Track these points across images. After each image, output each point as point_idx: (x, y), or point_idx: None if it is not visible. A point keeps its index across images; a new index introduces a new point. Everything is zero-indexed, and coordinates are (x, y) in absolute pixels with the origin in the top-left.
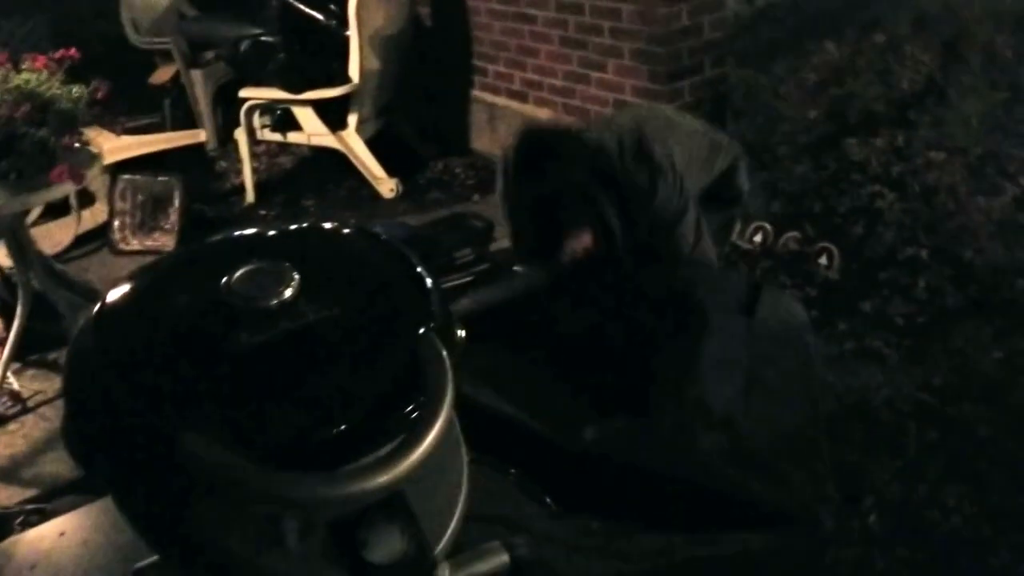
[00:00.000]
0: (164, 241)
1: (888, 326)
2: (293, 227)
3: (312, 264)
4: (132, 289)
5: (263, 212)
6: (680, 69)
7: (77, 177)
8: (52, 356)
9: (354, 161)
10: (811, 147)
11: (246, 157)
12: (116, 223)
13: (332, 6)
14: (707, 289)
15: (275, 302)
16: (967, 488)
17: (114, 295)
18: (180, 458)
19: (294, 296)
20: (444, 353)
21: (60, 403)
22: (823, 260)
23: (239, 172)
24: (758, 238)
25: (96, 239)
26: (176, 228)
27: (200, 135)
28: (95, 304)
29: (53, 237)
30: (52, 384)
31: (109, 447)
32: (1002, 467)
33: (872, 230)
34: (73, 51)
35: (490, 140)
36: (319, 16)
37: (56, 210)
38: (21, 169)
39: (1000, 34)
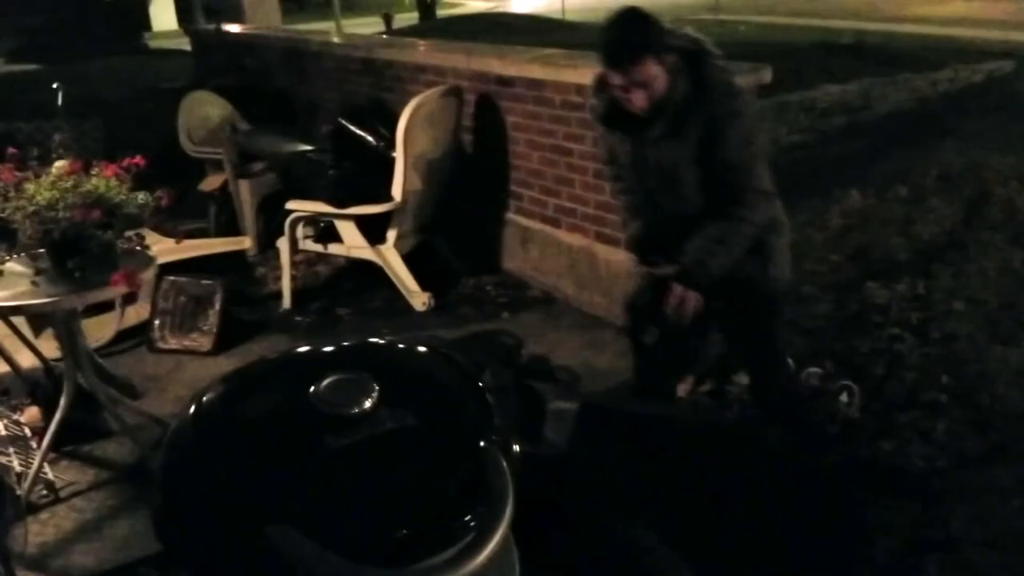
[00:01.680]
0: (201, 342)
1: (907, 468)
2: (372, 341)
3: (390, 376)
4: (226, 391)
5: (299, 319)
6: None
7: (135, 283)
8: (87, 448)
9: (390, 274)
10: (833, 287)
11: (286, 265)
12: (157, 322)
13: (382, 128)
14: None
15: (357, 410)
16: None
17: (210, 395)
18: (266, 549)
19: (374, 406)
20: (505, 465)
21: (92, 494)
22: (844, 398)
23: (277, 278)
24: None
25: (134, 336)
26: (215, 330)
27: (244, 242)
28: (191, 403)
29: (95, 332)
30: (85, 475)
31: (201, 537)
32: None
33: (893, 372)
34: (140, 159)
35: (522, 261)
36: (370, 138)
37: (100, 306)
38: (85, 268)
39: (1020, 193)
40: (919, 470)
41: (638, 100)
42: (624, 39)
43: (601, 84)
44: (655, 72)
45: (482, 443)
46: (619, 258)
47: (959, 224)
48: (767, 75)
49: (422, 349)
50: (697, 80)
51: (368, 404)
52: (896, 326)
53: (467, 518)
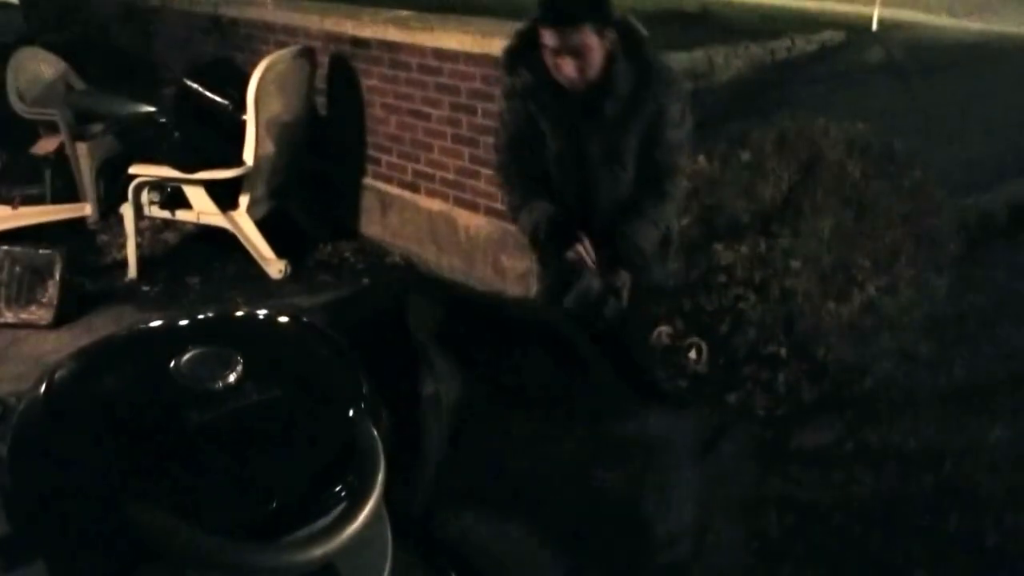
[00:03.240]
0: (40, 315)
1: (751, 418)
2: (233, 312)
3: (254, 349)
4: (80, 366)
5: (146, 288)
6: None
7: None
8: None
9: (243, 241)
10: (683, 250)
11: (131, 232)
12: None
13: (230, 90)
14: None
15: (221, 385)
16: (827, 572)
17: (63, 371)
18: (126, 525)
19: (239, 380)
20: (375, 434)
21: None
22: (692, 354)
23: (121, 247)
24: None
25: None
26: (55, 302)
27: (85, 208)
28: (42, 379)
29: None
30: None
31: (56, 515)
32: (857, 551)
33: (737, 328)
34: None
35: (381, 226)
36: (218, 99)
37: None
38: None
39: (850, 158)
40: (761, 418)
41: (567, 69)
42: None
43: (517, 55)
44: (592, 43)
45: (351, 412)
46: (478, 223)
47: (796, 187)
48: None
49: (285, 319)
50: (640, 63)
51: (232, 378)
52: (740, 285)
53: (338, 488)
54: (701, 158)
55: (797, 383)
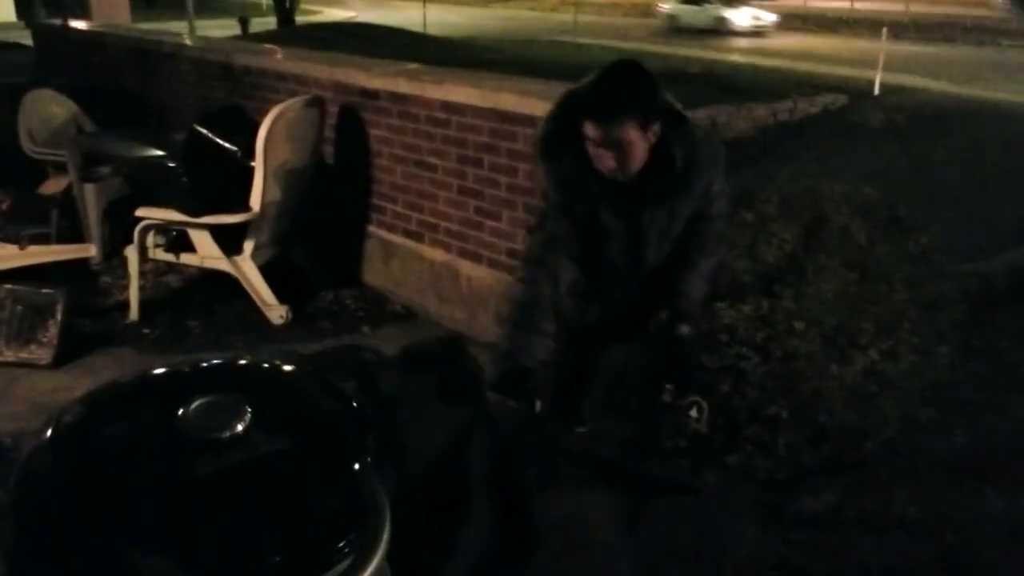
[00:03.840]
0: (40, 355)
1: (752, 480)
2: (241, 360)
3: (261, 398)
4: (86, 413)
5: (146, 331)
6: None
7: None
8: None
9: (246, 286)
10: None
11: (134, 274)
12: None
13: (240, 136)
14: None
15: (228, 434)
16: None
17: (69, 417)
18: None
19: (246, 429)
20: (380, 487)
21: None
22: (693, 413)
23: (124, 289)
24: None
25: None
26: (55, 342)
27: (89, 250)
28: (48, 426)
29: None
30: None
31: (58, 564)
32: None
33: (738, 388)
34: None
35: (384, 275)
36: (227, 145)
37: None
38: None
39: (853, 220)
40: (761, 481)
41: (607, 161)
42: (614, 94)
43: (554, 142)
44: (634, 137)
45: (356, 465)
46: (481, 274)
47: (799, 248)
48: None
49: (292, 369)
50: (687, 145)
51: (240, 428)
52: (742, 345)
53: (342, 543)
54: None
55: (797, 446)
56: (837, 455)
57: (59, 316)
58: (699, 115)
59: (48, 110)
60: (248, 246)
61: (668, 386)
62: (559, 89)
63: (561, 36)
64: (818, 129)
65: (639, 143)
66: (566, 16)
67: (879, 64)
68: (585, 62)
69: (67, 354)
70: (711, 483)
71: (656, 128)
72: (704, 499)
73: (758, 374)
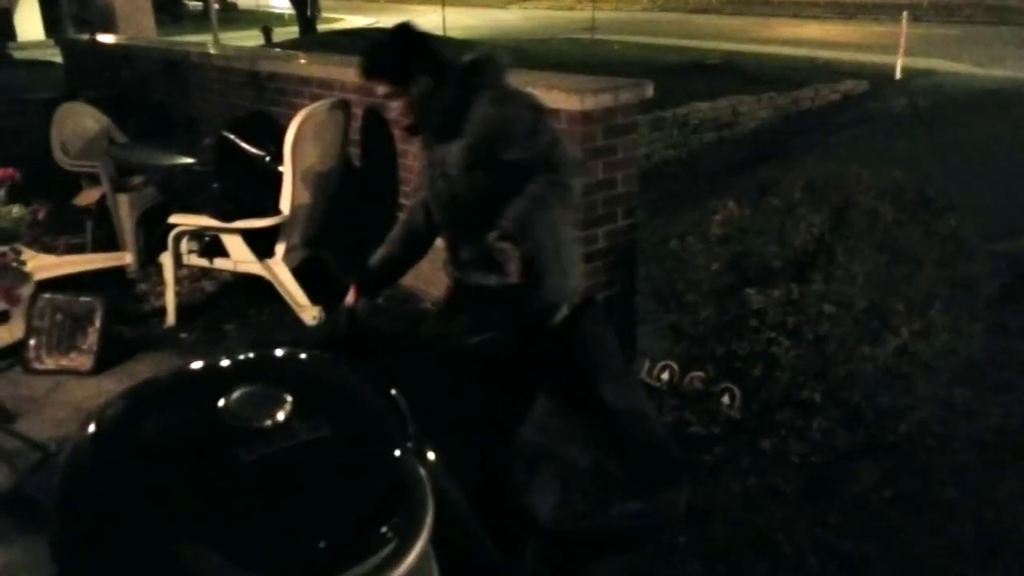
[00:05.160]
0: (81, 362)
1: (786, 464)
2: (281, 351)
3: (301, 387)
4: (129, 405)
5: (183, 335)
6: (595, 218)
7: (12, 299)
8: None
9: (279, 288)
10: (714, 294)
11: (170, 280)
12: (32, 342)
13: (267, 142)
14: None
15: (270, 423)
16: None
17: (112, 410)
18: (175, 566)
19: (287, 418)
20: (422, 472)
21: None
22: (725, 399)
23: (160, 295)
24: (665, 376)
25: (6, 356)
26: (95, 349)
27: (125, 257)
28: (91, 419)
29: None
30: None
31: (104, 555)
32: None
33: (770, 373)
34: (12, 172)
35: (413, 275)
36: (255, 150)
37: None
38: None
39: (882, 203)
40: (797, 466)
41: (390, 116)
42: (369, 54)
43: None
44: (386, 92)
45: (397, 451)
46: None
47: (828, 232)
48: (649, 90)
49: (330, 358)
50: (463, 106)
51: (281, 416)
52: (772, 330)
53: (384, 529)
54: (731, 204)
55: (832, 429)
56: (872, 437)
57: (98, 323)
58: (720, 106)
59: (80, 123)
60: (280, 249)
61: (696, 373)
62: (583, 82)
63: (579, 34)
64: (840, 116)
65: (396, 104)
66: (584, 13)
67: (900, 48)
68: (601, 59)
69: (107, 360)
70: (745, 468)
71: (421, 87)
72: (740, 484)
73: (790, 358)
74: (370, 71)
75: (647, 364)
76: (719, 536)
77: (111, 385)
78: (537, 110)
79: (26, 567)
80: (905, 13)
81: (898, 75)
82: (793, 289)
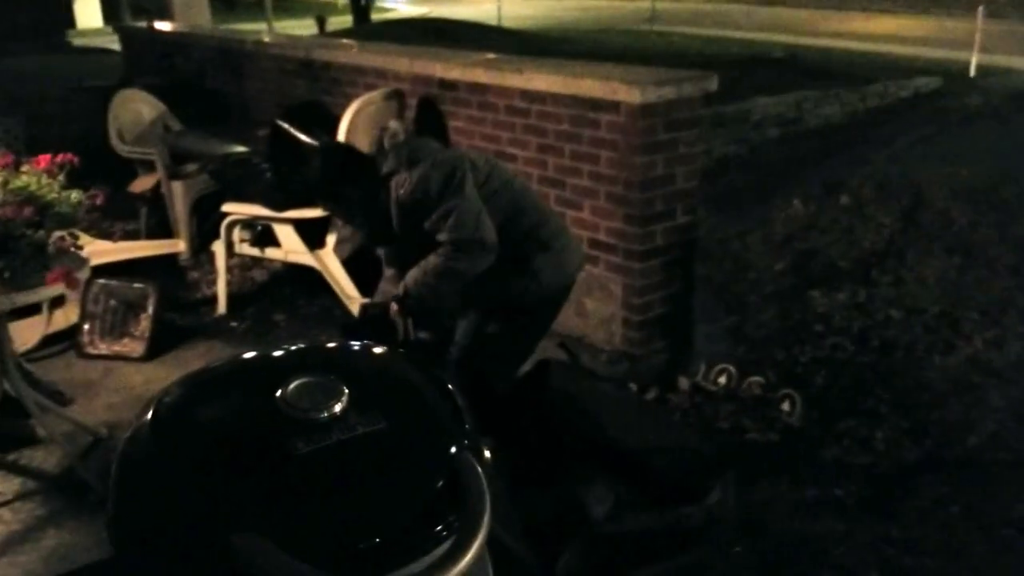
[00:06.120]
0: (133, 347)
1: (848, 475)
2: (337, 343)
3: (358, 380)
4: (185, 394)
5: (234, 324)
6: (654, 214)
7: (73, 282)
8: (13, 456)
9: (329, 279)
10: (776, 296)
11: (222, 269)
12: (86, 326)
13: (320, 131)
14: None
15: (326, 415)
16: None
17: (169, 398)
18: (230, 555)
19: (344, 410)
20: (479, 468)
21: (19, 505)
22: (785, 406)
23: (211, 283)
24: (722, 380)
25: (61, 340)
26: (147, 335)
27: (179, 245)
28: (149, 405)
29: (21, 336)
30: (12, 485)
31: (159, 541)
32: None
33: (833, 380)
34: (72, 157)
35: None
36: (309, 140)
37: (25, 308)
38: (15, 269)
39: (955, 204)
40: (859, 477)
41: None
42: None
43: None
44: None
45: (454, 448)
46: None
47: (897, 233)
48: (713, 83)
49: (386, 351)
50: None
51: (338, 408)
52: (837, 335)
53: (441, 527)
54: (796, 202)
55: (897, 440)
56: (939, 449)
57: (151, 310)
58: (785, 101)
59: (136, 110)
60: (331, 240)
61: (755, 378)
62: (643, 74)
63: (640, 25)
64: (911, 113)
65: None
66: (644, 3)
67: (975, 44)
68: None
69: (158, 347)
70: (805, 478)
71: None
72: (799, 494)
73: (855, 365)
74: None
75: (703, 367)
76: (776, 547)
77: (162, 371)
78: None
79: (76, 548)
80: (981, 8)
81: (972, 72)
82: (859, 292)
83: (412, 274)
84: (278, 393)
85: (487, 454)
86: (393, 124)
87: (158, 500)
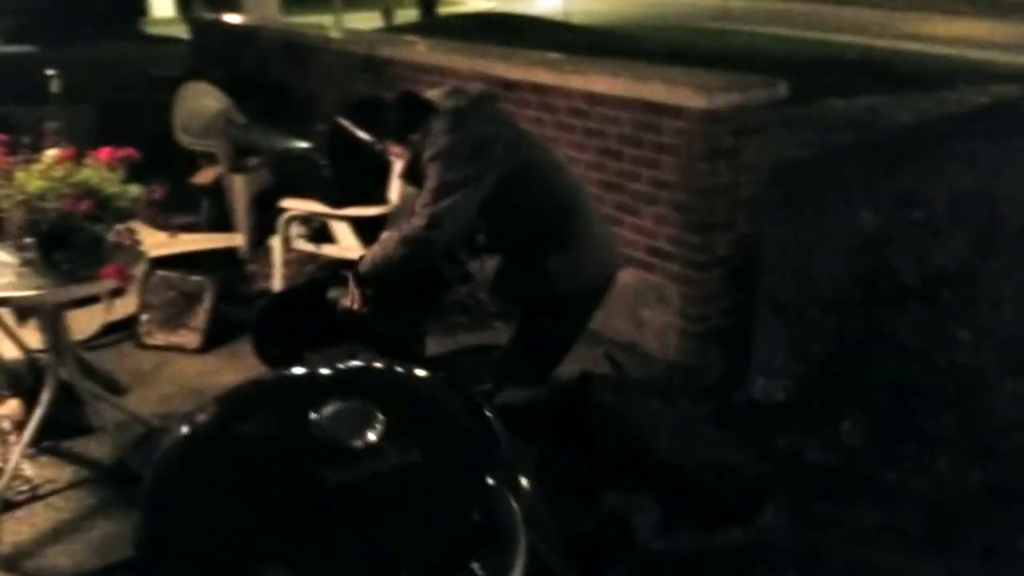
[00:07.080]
0: (189, 339)
1: (910, 502)
2: (377, 366)
3: (394, 405)
4: (221, 413)
5: None
6: (715, 223)
7: (126, 278)
8: (67, 444)
9: None
10: (840, 310)
11: (278, 264)
12: (144, 317)
13: (381, 130)
14: None
15: (360, 443)
16: None
17: (203, 417)
18: None
19: (379, 439)
20: (515, 505)
21: (71, 493)
22: (846, 426)
23: (268, 278)
24: (780, 395)
25: (119, 330)
26: (203, 327)
27: (237, 239)
28: (183, 424)
29: (80, 324)
30: (64, 473)
31: (181, 558)
32: None
33: (897, 401)
34: (132, 151)
35: None
36: (369, 139)
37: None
38: (74, 261)
39: None
40: (921, 504)
41: None
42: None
43: None
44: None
45: (490, 481)
46: (619, 273)
47: (970, 250)
48: (782, 90)
49: (425, 375)
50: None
51: (372, 437)
52: (902, 354)
53: (475, 564)
54: (865, 213)
55: (963, 467)
56: (1007, 480)
57: (207, 302)
58: (857, 104)
59: (201, 102)
60: None
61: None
62: (709, 78)
63: (706, 22)
64: (989, 122)
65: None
66: (714, 0)
67: None
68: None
69: (213, 339)
70: (864, 503)
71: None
72: (857, 521)
73: (919, 386)
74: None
75: (761, 381)
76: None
77: (216, 364)
78: None
79: (125, 539)
80: None
81: None
82: (928, 311)
83: (377, 242)
84: (312, 416)
85: (524, 483)
86: (475, 86)
87: (183, 518)
